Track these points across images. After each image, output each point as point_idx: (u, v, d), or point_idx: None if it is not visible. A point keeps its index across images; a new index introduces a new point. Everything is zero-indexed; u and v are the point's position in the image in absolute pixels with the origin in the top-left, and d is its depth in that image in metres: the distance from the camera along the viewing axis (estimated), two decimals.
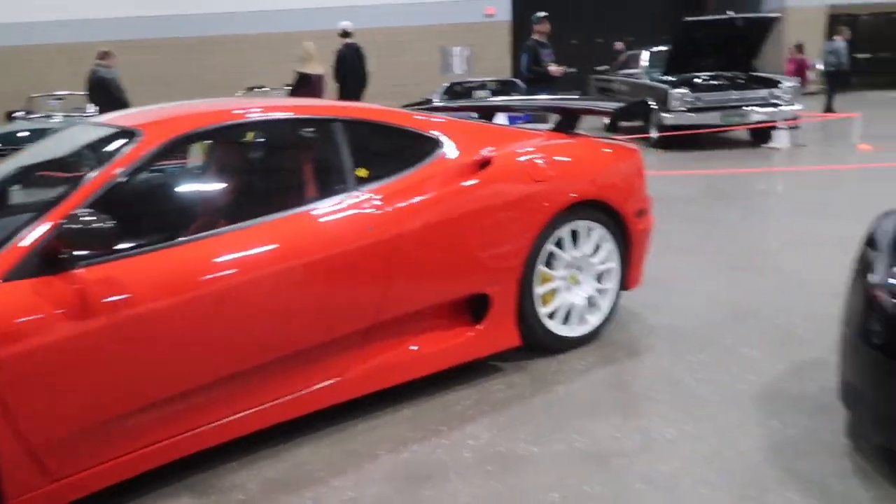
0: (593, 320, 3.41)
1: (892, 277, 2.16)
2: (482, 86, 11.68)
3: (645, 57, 11.58)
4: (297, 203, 2.67)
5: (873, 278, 2.22)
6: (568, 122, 3.74)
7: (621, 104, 3.66)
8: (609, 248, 3.40)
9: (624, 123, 12.43)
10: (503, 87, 11.61)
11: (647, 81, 10.80)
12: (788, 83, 10.11)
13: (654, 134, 10.34)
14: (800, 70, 11.76)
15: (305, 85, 8.94)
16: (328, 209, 2.65)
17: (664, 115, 9.93)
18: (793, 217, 5.98)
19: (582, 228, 3.29)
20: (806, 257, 4.69)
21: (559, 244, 3.24)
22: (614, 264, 3.43)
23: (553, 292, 3.28)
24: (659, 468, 2.38)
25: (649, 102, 10.05)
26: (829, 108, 12.79)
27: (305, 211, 2.64)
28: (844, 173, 7.97)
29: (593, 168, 3.41)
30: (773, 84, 10.12)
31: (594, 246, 3.36)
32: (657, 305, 3.89)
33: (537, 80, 8.82)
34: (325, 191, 2.75)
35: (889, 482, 2.21)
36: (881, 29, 22.30)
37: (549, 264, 3.24)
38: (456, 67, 18.66)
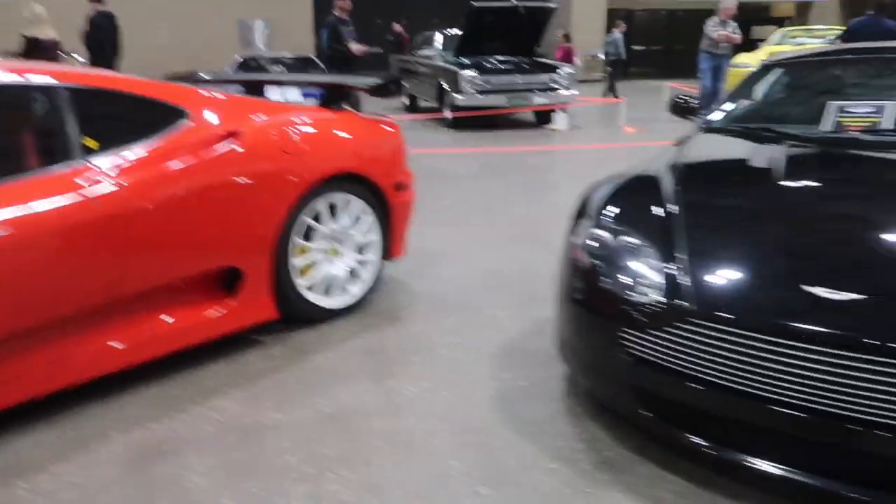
0: (356, 291, 3.51)
1: (590, 239, 2.44)
2: (277, 62, 11.37)
3: (439, 39, 11.93)
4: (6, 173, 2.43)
5: (574, 239, 2.50)
6: (333, 97, 3.78)
7: (378, 80, 3.74)
8: (369, 220, 3.50)
9: (423, 104, 12.78)
10: (300, 64, 11.39)
11: (441, 63, 11.15)
12: (566, 69, 10.94)
13: (447, 114, 10.74)
14: (567, 58, 12.80)
15: (37, 51, 7.96)
16: (44, 179, 2.45)
17: (456, 96, 10.34)
18: (560, 191, 6.54)
19: (340, 201, 3.36)
20: (567, 227, 5.15)
21: (317, 217, 3.28)
22: (375, 236, 3.55)
23: (312, 264, 3.32)
24: (398, 424, 2.52)
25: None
26: (613, 94, 14.11)
27: (14, 182, 2.41)
28: (611, 152, 8.81)
29: (352, 142, 3.48)
30: (553, 70, 10.90)
31: (354, 218, 3.45)
32: (424, 274, 4.09)
33: (338, 59, 8.67)
34: (44, 160, 2.54)
35: (591, 420, 2.52)
36: (653, 25, 24.95)
37: (307, 237, 3.27)
38: (257, 42, 18.01)
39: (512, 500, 2.11)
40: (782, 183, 2.59)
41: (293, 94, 9.93)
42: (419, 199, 5.87)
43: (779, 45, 14.64)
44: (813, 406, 1.83)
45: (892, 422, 1.74)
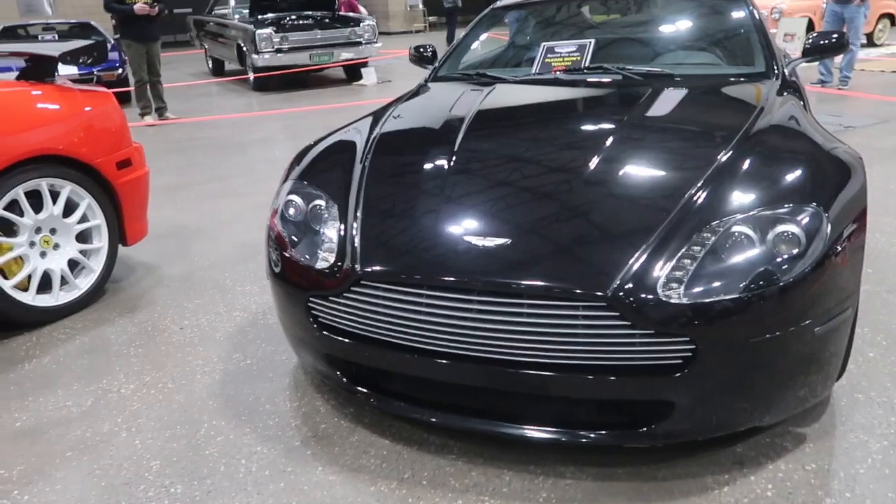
0: (84, 283, 3.20)
1: (284, 204, 2.30)
2: (49, 28, 10.23)
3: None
4: None
5: (274, 205, 2.35)
6: (37, 69, 3.36)
7: (70, 47, 3.37)
8: (88, 205, 3.18)
9: (229, 67, 12.07)
10: (76, 31, 10.33)
11: (237, 22, 10.53)
12: (368, 22, 10.69)
13: (250, 76, 10.21)
14: (351, 9, 12.55)
15: None
16: None
17: (254, 56, 9.83)
18: None
19: (43, 188, 3.01)
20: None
21: (14, 208, 2.92)
22: (100, 221, 3.23)
23: (19, 261, 2.97)
24: (99, 428, 2.31)
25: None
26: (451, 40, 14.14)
27: None
28: None
29: (53, 120, 3.11)
30: (355, 23, 10.61)
31: (66, 205, 3.11)
32: (178, 254, 3.83)
33: (124, 21, 7.59)
34: None
35: (315, 392, 2.44)
36: None
37: (6, 232, 2.91)
38: (44, 6, 16.18)
39: (204, 494, 1.98)
40: (470, 131, 2.50)
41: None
42: (198, 174, 5.50)
43: None
44: (460, 352, 1.84)
45: (531, 359, 1.79)
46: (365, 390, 2.09)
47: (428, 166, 2.29)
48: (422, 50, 3.70)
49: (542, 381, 1.81)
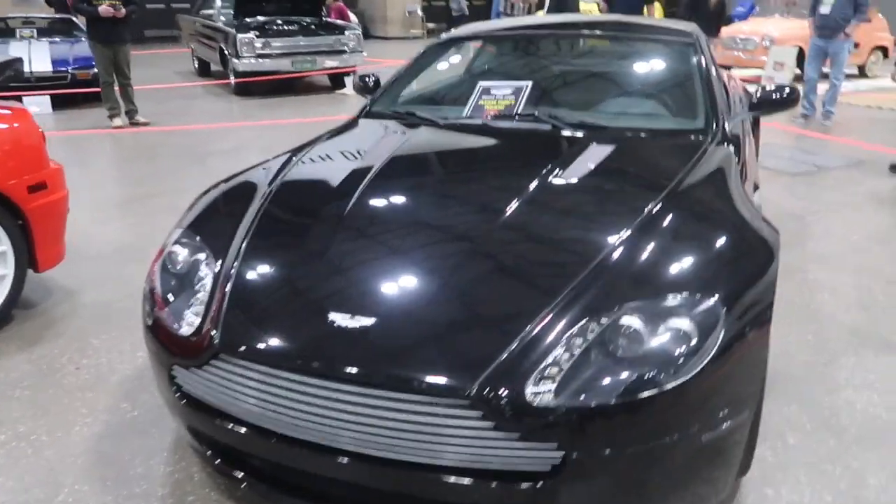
0: None
1: (166, 255, 2.14)
2: (28, 23, 10.06)
3: (218, 1, 11.08)
4: None
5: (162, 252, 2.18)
6: None
7: None
8: None
9: (214, 68, 11.91)
10: (58, 26, 10.17)
11: (220, 24, 10.38)
12: (353, 31, 10.54)
13: (232, 80, 10.06)
14: (342, 17, 12.39)
15: None
16: None
17: (235, 60, 9.67)
18: None
19: None
20: None
21: None
22: (5, 247, 3.07)
23: None
24: None
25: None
26: None
27: None
28: None
29: None
30: (340, 31, 10.46)
31: None
32: (105, 279, 3.67)
33: (91, 22, 7.37)
34: None
35: (193, 455, 2.28)
36: None
37: None
38: None
39: None
40: (371, 185, 2.29)
41: (42, 62, 8.89)
42: (157, 184, 5.33)
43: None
44: (319, 441, 1.68)
45: (391, 455, 1.62)
46: (233, 471, 1.91)
47: (316, 224, 2.11)
48: (366, 79, 3.53)
49: (401, 479, 1.65)
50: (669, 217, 2.00)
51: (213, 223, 2.23)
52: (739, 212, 2.09)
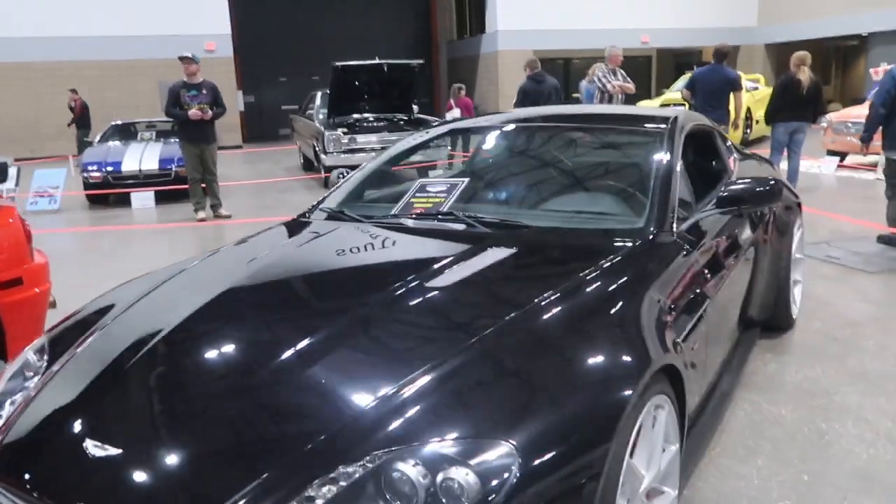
0: None
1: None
2: (151, 126, 11.18)
3: (318, 98, 11.81)
4: None
5: None
6: None
7: None
8: None
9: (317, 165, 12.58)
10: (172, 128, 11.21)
11: (314, 123, 11.01)
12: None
13: (322, 174, 10.54)
14: (467, 110, 12.66)
15: None
16: None
17: (323, 156, 10.15)
18: None
19: None
20: None
21: None
22: None
23: None
24: None
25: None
26: None
27: None
28: None
29: None
30: (427, 126, 10.74)
31: None
32: None
33: (180, 124, 8.20)
34: None
35: None
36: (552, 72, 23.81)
37: None
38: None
39: None
40: (202, 309, 2.10)
41: (151, 161, 9.77)
42: None
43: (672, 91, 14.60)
44: None
45: None
46: None
47: (109, 366, 1.90)
48: (340, 175, 3.48)
49: None
50: (511, 339, 1.71)
51: (56, 347, 2.11)
52: (607, 337, 1.75)
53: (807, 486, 2.44)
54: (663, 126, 2.82)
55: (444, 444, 1.41)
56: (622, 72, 9.19)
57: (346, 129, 10.25)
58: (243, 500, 1.36)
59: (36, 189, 9.62)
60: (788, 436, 2.77)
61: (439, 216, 2.58)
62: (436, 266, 2.14)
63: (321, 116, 11.35)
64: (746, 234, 3.08)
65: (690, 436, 2.43)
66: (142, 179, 9.62)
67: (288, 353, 1.77)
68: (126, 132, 11.14)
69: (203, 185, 8.29)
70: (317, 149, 10.52)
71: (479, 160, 3.23)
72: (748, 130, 13.12)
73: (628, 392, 1.57)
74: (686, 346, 2.05)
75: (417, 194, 2.76)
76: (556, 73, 20.88)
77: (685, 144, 3.30)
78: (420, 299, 1.98)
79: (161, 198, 9.53)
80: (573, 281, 1.99)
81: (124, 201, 9.50)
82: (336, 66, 10.13)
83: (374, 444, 1.43)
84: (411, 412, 1.51)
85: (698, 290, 2.27)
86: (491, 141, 3.32)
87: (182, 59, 8.06)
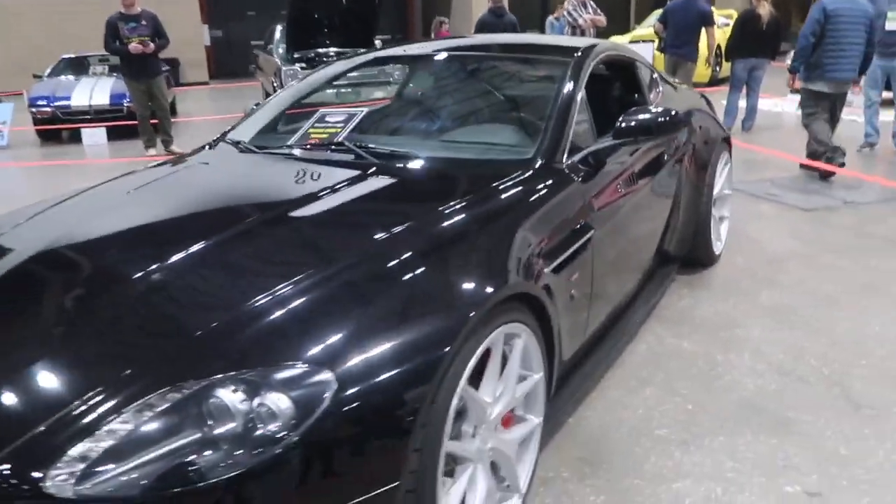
0: None
1: None
2: (104, 61, 10.82)
3: (278, 32, 11.46)
4: None
5: None
6: None
7: None
8: None
9: None
10: None
11: (272, 57, 10.72)
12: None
13: None
14: None
15: None
16: None
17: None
18: None
19: None
20: None
21: None
22: None
23: None
24: None
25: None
26: None
27: None
28: None
29: None
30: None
31: None
32: None
33: (123, 60, 7.79)
34: None
35: None
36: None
37: None
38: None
39: None
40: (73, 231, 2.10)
41: (102, 96, 9.50)
42: None
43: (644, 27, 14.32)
44: None
45: None
46: None
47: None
48: (253, 108, 3.39)
49: None
50: (362, 269, 1.70)
51: None
52: (461, 262, 1.74)
53: (689, 414, 2.50)
54: (569, 58, 2.75)
55: (265, 371, 1.41)
56: (592, 4, 8.99)
57: (304, 65, 9.98)
58: (42, 428, 1.36)
59: None
60: (683, 368, 2.82)
61: (332, 147, 2.53)
62: (307, 196, 2.11)
63: (280, 51, 11.03)
64: (659, 167, 3.06)
65: (583, 366, 2.47)
66: (92, 115, 9.36)
67: (137, 276, 1.76)
68: (78, 66, 10.80)
69: (154, 121, 8.09)
70: (275, 85, 10.27)
71: (392, 90, 3.15)
72: (717, 68, 12.96)
73: (461, 321, 1.56)
74: (558, 277, 2.04)
75: (316, 125, 2.70)
76: (533, 8, 20.40)
77: (602, 77, 3.26)
78: (281, 228, 1.96)
79: (115, 134, 9.31)
80: (442, 211, 1.96)
81: (78, 137, 9.28)
82: None
83: (198, 369, 1.42)
84: (242, 337, 1.51)
85: (583, 221, 2.26)
86: (417, 70, 3.24)
87: None
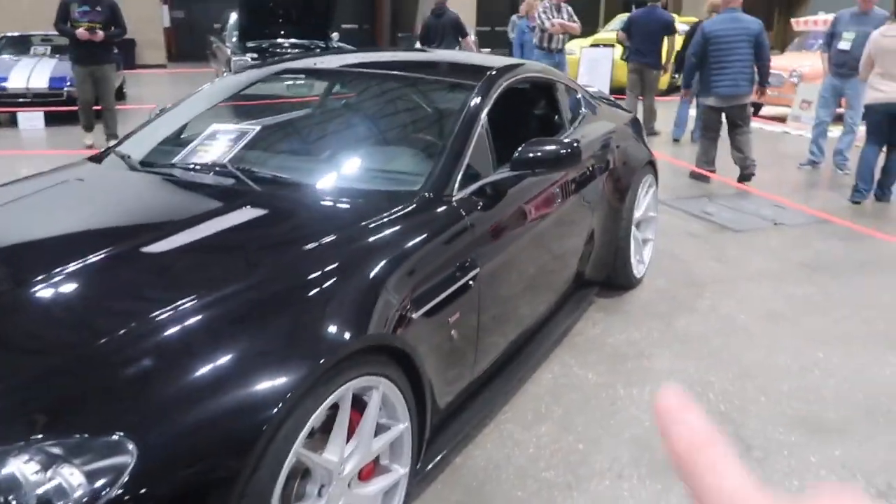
0: None
1: None
2: (47, 40, 10.44)
3: (232, 18, 11.18)
4: None
5: None
6: None
7: None
8: None
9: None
10: None
11: (224, 46, 10.46)
12: None
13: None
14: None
15: None
16: None
17: None
18: None
19: None
20: None
21: None
22: None
23: None
24: None
25: None
26: None
27: None
28: None
29: None
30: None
31: None
32: None
33: (70, 43, 7.36)
34: None
35: None
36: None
37: None
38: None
39: None
40: None
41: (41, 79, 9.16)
42: None
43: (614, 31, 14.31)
44: None
45: None
46: None
47: None
48: (156, 113, 3.23)
49: None
50: (195, 316, 1.58)
51: None
52: (300, 314, 1.64)
53: (580, 455, 2.44)
54: (474, 80, 2.66)
55: (60, 441, 1.30)
56: (569, 8, 8.51)
57: (255, 56, 9.75)
58: None
59: None
60: (583, 401, 2.77)
61: (216, 169, 2.40)
62: (163, 227, 2.00)
63: (234, 40, 10.78)
64: (570, 193, 3.00)
65: (477, 400, 2.40)
66: (30, 98, 9.02)
67: None
68: (20, 45, 10.39)
69: (97, 108, 7.78)
70: (224, 74, 10.01)
71: (284, 106, 3.04)
72: (675, 76, 13.02)
73: (297, 378, 1.47)
74: (433, 319, 1.96)
75: (206, 141, 2.57)
76: (501, 5, 20.23)
77: (521, 97, 3.18)
78: (124, 265, 1.84)
79: (54, 119, 8.98)
80: (304, 248, 1.86)
81: (15, 122, 8.93)
82: None
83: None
84: (50, 394, 1.40)
85: (467, 259, 2.17)
86: (289, 86, 3.13)
87: None
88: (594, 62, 10.69)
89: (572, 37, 8.91)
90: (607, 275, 3.61)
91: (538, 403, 2.75)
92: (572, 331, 3.32)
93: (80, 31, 7.20)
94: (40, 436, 1.30)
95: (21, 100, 9.01)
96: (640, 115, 7.66)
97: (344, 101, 2.94)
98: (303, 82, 3.64)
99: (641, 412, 2.70)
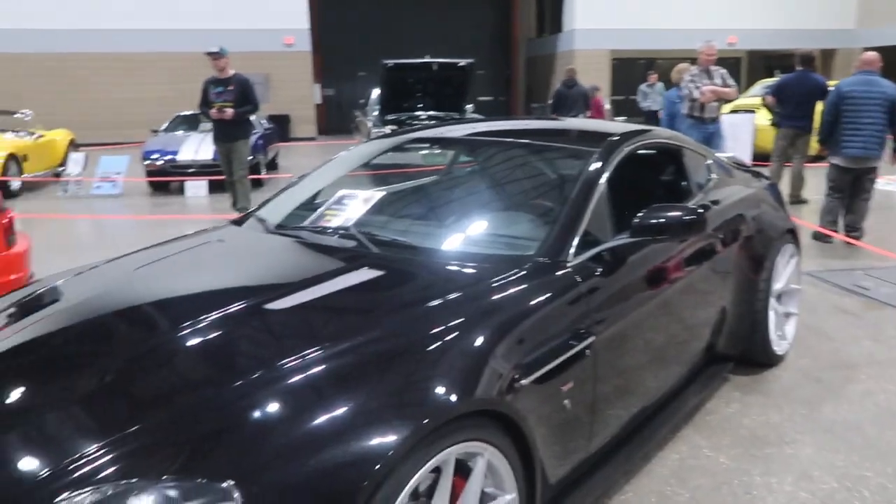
0: None
1: None
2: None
3: (373, 95, 11.91)
4: None
5: None
6: None
7: None
8: None
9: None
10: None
11: (364, 119, 11.13)
12: None
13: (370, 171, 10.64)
14: (598, 111, 12.02)
15: None
16: None
17: None
18: None
19: None
20: None
21: None
22: None
23: None
24: None
25: None
26: None
27: None
28: None
29: None
30: None
31: None
32: None
33: (213, 123, 7.99)
34: None
35: None
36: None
37: None
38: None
39: None
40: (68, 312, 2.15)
41: (206, 152, 10.12)
42: None
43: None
44: None
45: None
46: None
47: None
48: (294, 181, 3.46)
49: None
50: (309, 374, 1.63)
51: None
52: (408, 376, 1.64)
53: None
54: (594, 148, 2.63)
55: (179, 484, 1.36)
56: (722, 71, 7.57)
57: (394, 127, 10.27)
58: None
59: (101, 174, 10.18)
60: (713, 487, 2.55)
61: (340, 232, 2.52)
62: (287, 287, 2.10)
63: (375, 113, 11.45)
64: (699, 261, 2.85)
65: (594, 477, 2.28)
66: (196, 169, 9.99)
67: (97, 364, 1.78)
68: (191, 122, 11.59)
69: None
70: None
71: (413, 173, 3.14)
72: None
73: (392, 444, 1.46)
74: (543, 387, 1.90)
75: (334, 206, 2.71)
76: (637, 75, 20.09)
77: (646, 163, 3.11)
78: (248, 322, 1.94)
79: (217, 187, 9.84)
80: (416, 310, 1.88)
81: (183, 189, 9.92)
82: (385, 63, 10.18)
83: (105, 474, 1.39)
84: (171, 442, 1.47)
85: (582, 327, 2.10)
86: (423, 155, 3.24)
87: (208, 54, 7.84)
88: (734, 128, 10.29)
89: (727, 102, 8.20)
90: (743, 350, 3.36)
91: (662, 486, 2.56)
92: (703, 409, 3.10)
93: (213, 112, 7.78)
94: (164, 477, 1.37)
95: (189, 170, 10.00)
96: (786, 182, 7.23)
97: (469, 168, 3.01)
98: (438, 151, 3.74)
99: None
